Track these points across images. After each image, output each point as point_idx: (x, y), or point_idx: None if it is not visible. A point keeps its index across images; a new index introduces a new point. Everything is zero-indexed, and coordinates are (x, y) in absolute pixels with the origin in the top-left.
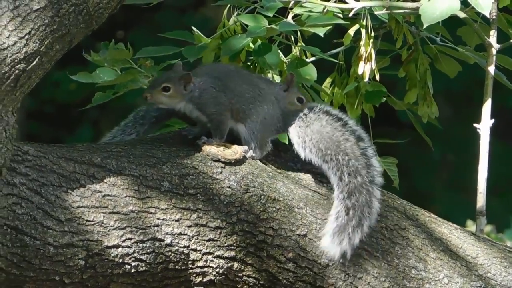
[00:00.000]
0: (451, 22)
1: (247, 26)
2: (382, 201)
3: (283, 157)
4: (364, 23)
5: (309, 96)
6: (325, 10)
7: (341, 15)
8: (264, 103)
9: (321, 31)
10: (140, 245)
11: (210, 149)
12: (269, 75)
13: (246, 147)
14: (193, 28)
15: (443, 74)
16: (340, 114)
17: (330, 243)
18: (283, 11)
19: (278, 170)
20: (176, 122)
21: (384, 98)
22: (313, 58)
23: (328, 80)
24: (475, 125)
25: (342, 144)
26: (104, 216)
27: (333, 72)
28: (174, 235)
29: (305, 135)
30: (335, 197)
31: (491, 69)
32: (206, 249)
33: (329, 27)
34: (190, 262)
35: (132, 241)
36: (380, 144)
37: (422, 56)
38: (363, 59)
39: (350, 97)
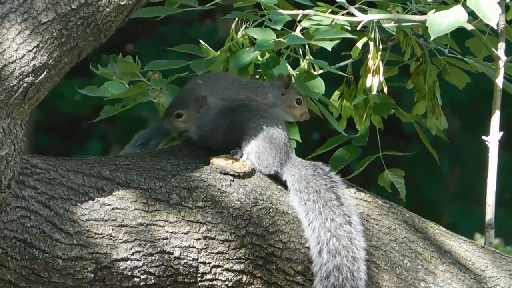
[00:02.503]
0: (460, 34)
1: (255, 39)
2: (391, 213)
3: None
4: (372, 35)
5: (317, 109)
6: (333, 23)
7: (349, 28)
8: (267, 134)
9: (328, 45)
10: (149, 258)
11: (219, 162)
12: None
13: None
14: (201, 41)
15: (449, 85)
16: (341, 194)
17: None
18: (291, 24)
19: None
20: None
21: (393, 110)
22: (321, 71)
23: (337, 93)
24: (484, 137)
25: (328, 223)
26: (113, 229)
27: (341, 83)
28: (183, 248)
29: (305, 204)
30: (315, 274)
31: (499, 81)
32: (215, 262)
33: (336, 41)
34: (199, 275)
35: (141, 254)
36: (389, 156)
37: (431, 68)
38: (371, 71)
39: (358, 109)
